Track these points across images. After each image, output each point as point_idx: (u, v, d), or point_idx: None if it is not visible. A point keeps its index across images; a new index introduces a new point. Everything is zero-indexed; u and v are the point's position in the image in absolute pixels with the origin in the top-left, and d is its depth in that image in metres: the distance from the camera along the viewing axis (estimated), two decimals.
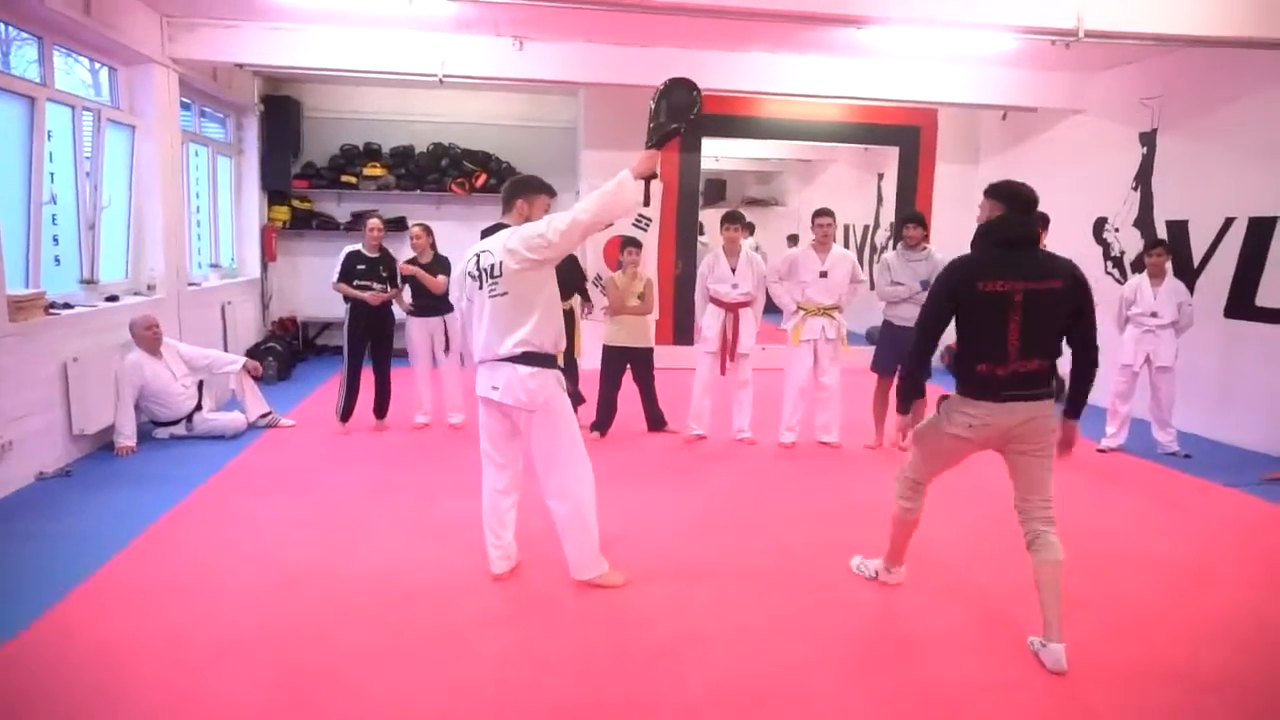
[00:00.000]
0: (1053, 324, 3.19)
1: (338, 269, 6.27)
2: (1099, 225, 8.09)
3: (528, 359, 3.47)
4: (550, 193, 3.74)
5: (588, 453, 3.68)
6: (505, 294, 3.44)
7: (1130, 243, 7.66)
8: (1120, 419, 6.30)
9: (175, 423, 6.04)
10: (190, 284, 7.61)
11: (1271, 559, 4.29)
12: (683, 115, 3.48)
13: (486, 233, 3.66)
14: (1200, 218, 6.92)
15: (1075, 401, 3.35)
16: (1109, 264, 7.92)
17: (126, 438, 5.68)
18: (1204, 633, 3.45)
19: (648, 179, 3.44)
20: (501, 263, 3.43)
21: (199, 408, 6.14)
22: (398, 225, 9.25)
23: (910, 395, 3.52)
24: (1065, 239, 6.26)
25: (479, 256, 3.53)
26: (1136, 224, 7.64)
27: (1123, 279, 7.48)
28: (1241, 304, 6.55)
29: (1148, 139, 7.56)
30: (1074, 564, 4.09)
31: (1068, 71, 8.04)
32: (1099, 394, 6.64)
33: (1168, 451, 6.19)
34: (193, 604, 3.46)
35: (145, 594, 3.55)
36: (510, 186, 3.71)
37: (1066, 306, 3.17)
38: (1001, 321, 3.11)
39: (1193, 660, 3.21)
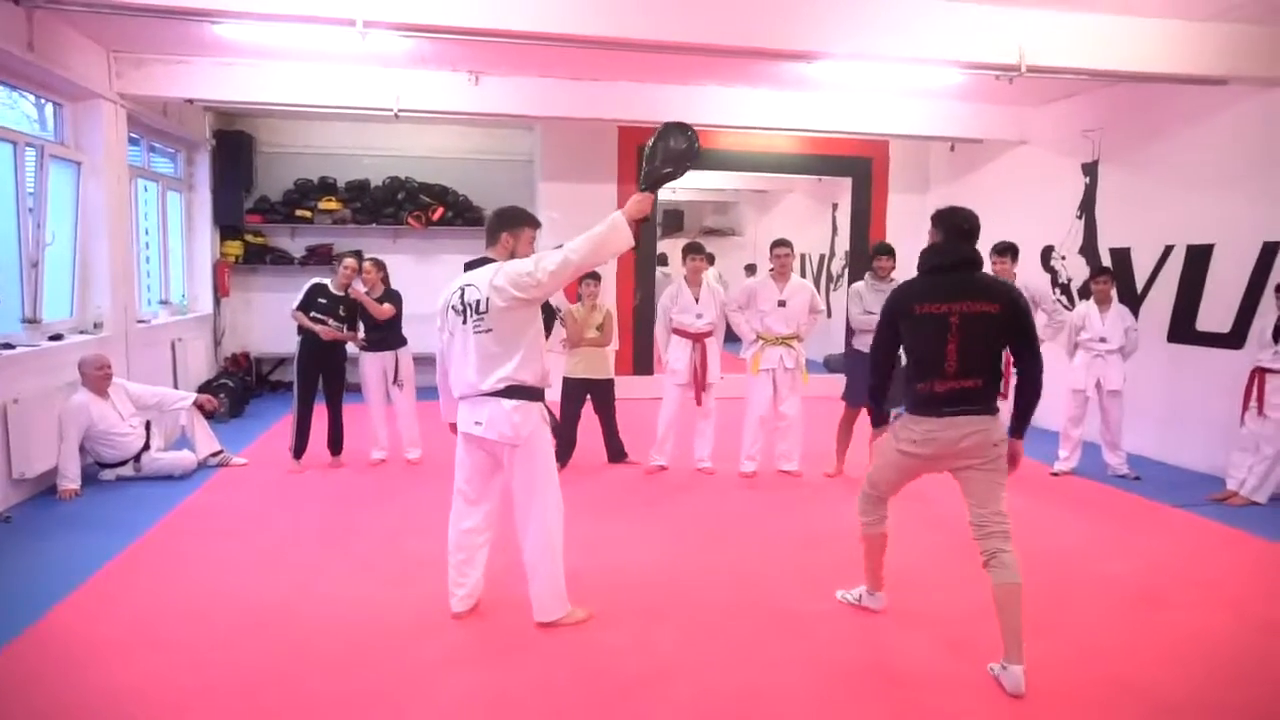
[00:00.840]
0: (990, 344, 3.30)
1: (300, 297, 6.20)
2: (1046, 253, 8.29)
3: (511, 393, 3.43)
4: (535, 224, 3.67)
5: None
6: (490, 330, 3.41)
7: (1077, 270, 7.87)
8: (1073, 443, 6.42)
9: (122, 464, 5.87)
10: (139, 321, 7.44)
11: (1222, 579, 4.37)
12: (681, 162, 3.45)
13: (470, 265, 3.61)
14: (1142, 245, 7.13)
15: (1019, 420, 3.43)
16: (1057, 291, 8.11)
17: (70, 480, 5.51)
18: (1163, 654, 3.50)
19: (639, 221, 3.40)
20: (488, 299, 3.39)
21: (146, 447, 5.98)
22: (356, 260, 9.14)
23: (877, 421, 3.63)
24: (1019, 266, 6.39)
25: (464, 290, 3.48)
26: (1082, 251, 7.85)
27: (1070, 305, 7.66)
28: (1183, 328, 6.74)
29: (1090, 169, 7.80)
30: (1031, 588, 4.14)
31: (1011, 105, 8.28)
32: (1052, 418, 6.80)
33: (1118, 474, 6.31)
34: (140, 658, 3.32)
35: (87, 648, 3.41)
36: (495, 219, 3.64)
37: (1004, 328, 3.28)
38: (940, 341, 3.25)
39: (1153, 682, 3.25)
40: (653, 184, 3.48)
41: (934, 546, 4.78)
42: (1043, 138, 8.43)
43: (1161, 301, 6.94)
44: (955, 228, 3.38)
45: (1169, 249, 6.90)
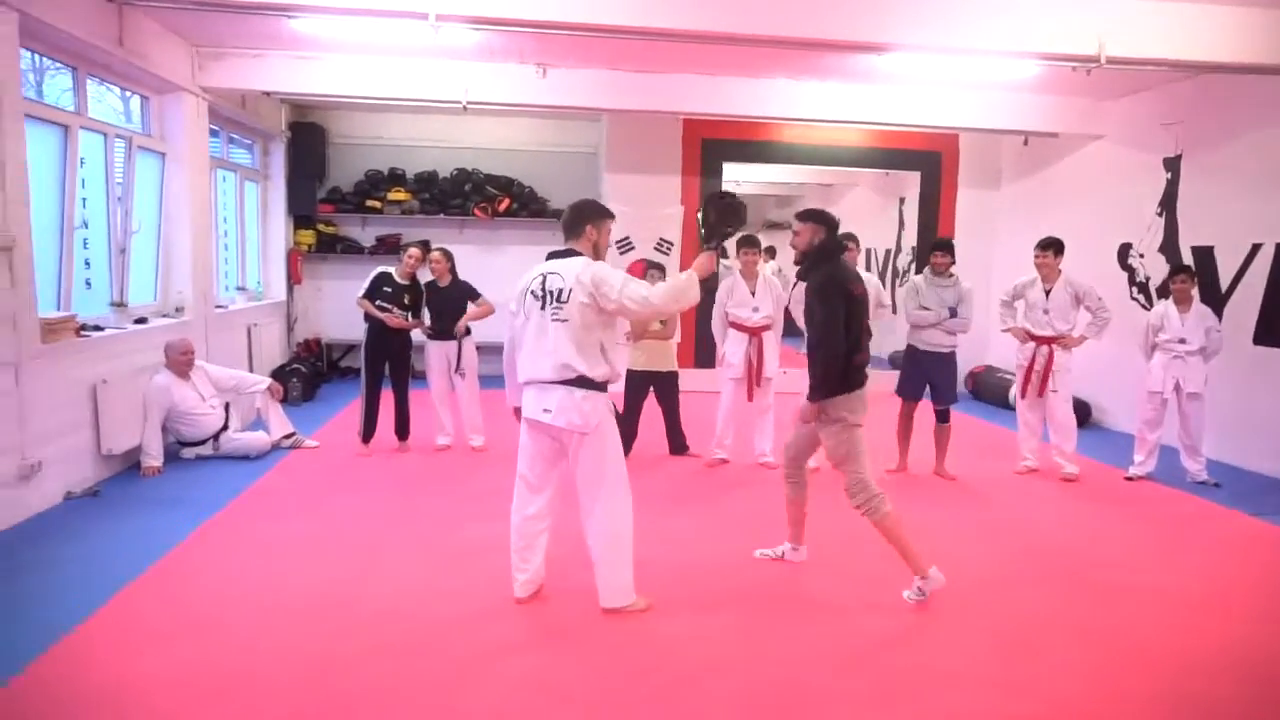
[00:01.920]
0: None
1: (365, 285, 6.34)
2: (1123, 251, 8.03)
3: (582, 382, 3.49)
4: (612, 216, 3.76)
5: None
6: (566, 321, 3.47)
7: (1155, 269, 7.60)
8: (1148, 447, 6.21)
9: (202, 443, 6.10)
10: (217, 307, 7.71)
11: None
12: (735, 219, 3.86)
13: (553, 255, 3.67)
14: (1226, 243, 6.85)
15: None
16: (1134, 290, 7.85)
17: (153, 458, 5.74)
18: (1226, 666, 3.37)
19: (709, 278, 3.63)
20: (570, 290, 3.45)
21: (225, 428, 6.20)
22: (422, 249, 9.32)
23: (838, 390, 3.89)
24: (1088, 265, 6.22)
25: (545, 278, 3.54)
26: (1162, 250, 7.58)
27: (1148, 305, 7.42)
28: (1270, 330, 6.46)
29: (1171, 164, 7.51)
30: (1097, 594, 4.05)
31: (1088, 97, 8.02)
32: (1126, 420, 6.56)
33: (1197, 480, 6.09)
34: (209, 635, 3.43)
35: (160, 623, 3.53)
36: (576, 213, 3.68)
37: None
38: (861, 318, 3.92)
39: (1215, 695, 3.14)
40: (715, 242, 3.83)
41: (1000, 551, 4.68)
42: (1120, 132, 8.15)
43: (1247, 302, 6.66)
44: (836, 222, 4.09)
45: (1256, 247, 6.61)
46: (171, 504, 5.12)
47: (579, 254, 3.59)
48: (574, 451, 3.57)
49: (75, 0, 5.12)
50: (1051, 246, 6.06)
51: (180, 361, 5.98)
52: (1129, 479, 6.21)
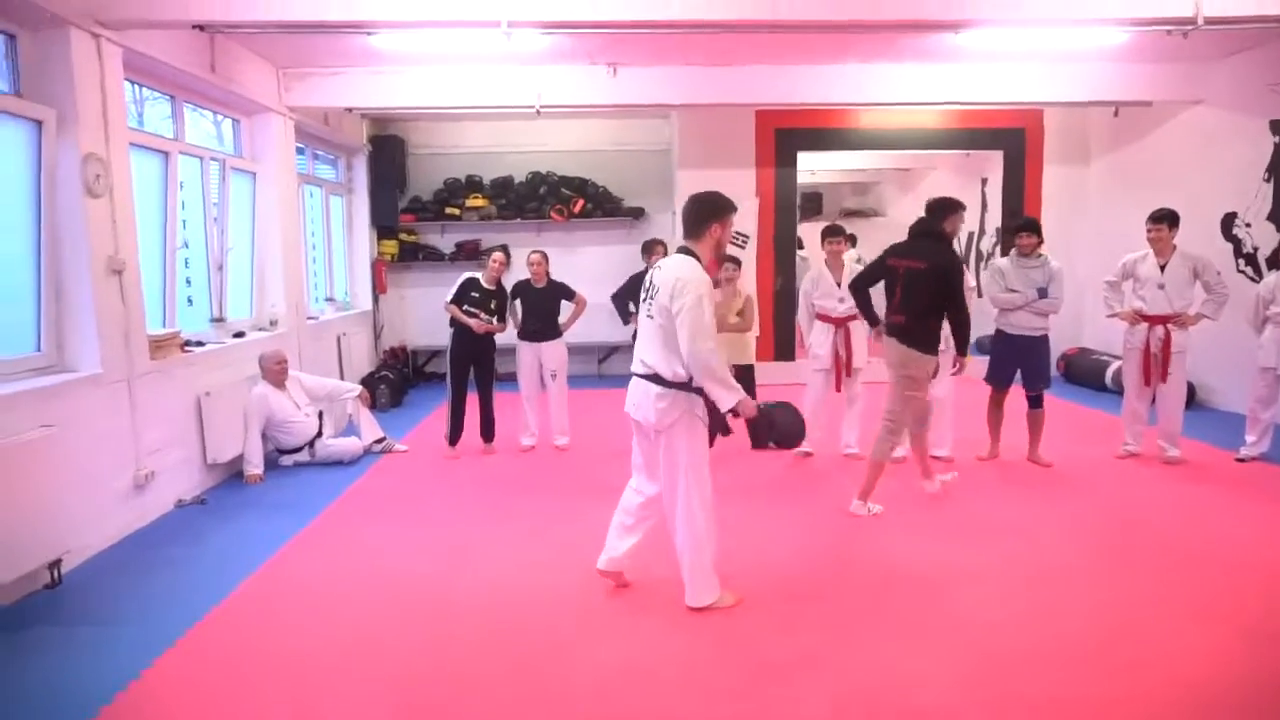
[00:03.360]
0: (919, 293, 4.83)
1: (453, 291, 6.48)
2: (1228, 221, 7.61)
3: (658, 379, 3.51)
4: (735, 209, 3.68)
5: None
6: (652, 318, 3.52)
7: (1264, 238, 7.19)
8: (1261, 426, 5.88)
9: (299, 449, 6.34)
10: (309, 318, 7.99)
11: None
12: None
13: (679, 251, 3.65)
14: None
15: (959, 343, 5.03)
16: (1241, 261, 7.44)
17: (255, 466, 5.99)
18: None
19: (734, 411, 3.46)
20: (659, 289, 3.48)
21: (320, 434, 6.42)
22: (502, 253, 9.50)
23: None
24: (1190, 237, 5.90)
25: (653, 274, 3.61)
26: (1271, 218, 7.16)
27: (1258, 277, 7.02)
28: None
29: (1278, 127, 7.09)
30: (1204, 579, 3.87)
31: (1183, 62, 7.62)
32: (1237, 399, 6.23)
33: None
34: (317, 626, 3.61)
35: (274, 616, 3.73)
36: (700, 209, 3.59)
37: (930, 283, 4.80)
38: (892, 287, 4.95)
39: None
40: (753, 419, 3.84)
41: (1100, 538, 4.51)
42: (1221, 96, 7.72)
43: None
44: (928, 207, 5.07)
45: None
46: (275, 508, 5.34)
47: (691, 254, 3.55)
48: (657, 444, 3.61)
49: (170, 32, 5.38)
50: (1166, 219, 5.76)
51: (275, 371, 6.23)
52: (1240, 460, 5.90)
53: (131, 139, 5.22)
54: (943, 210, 4.97)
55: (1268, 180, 7.19)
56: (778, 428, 4.11)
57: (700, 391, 3.47)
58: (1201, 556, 4.18)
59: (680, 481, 3.56)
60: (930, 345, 4.90)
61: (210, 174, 6.46)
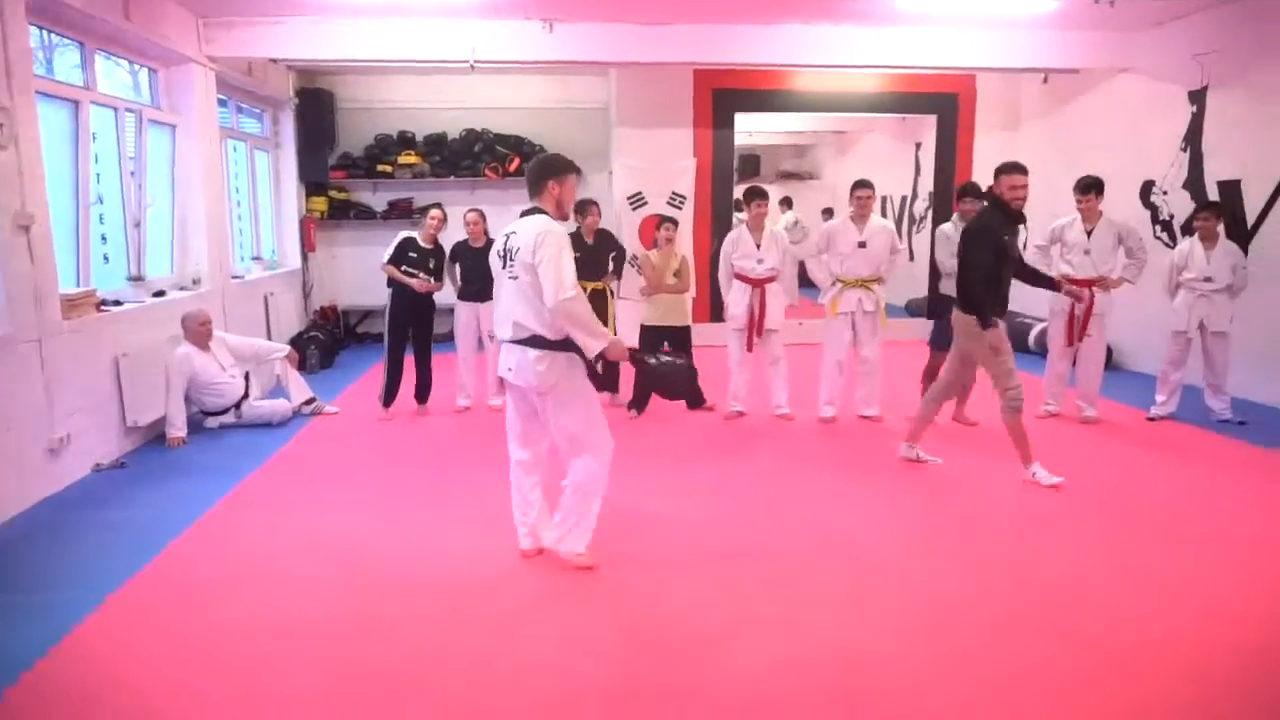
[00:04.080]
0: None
1: (390, 250, 6.34)
2: (1146, 188, 7.86)
3: (535, 342, 3.48)
4: (577, 170, 3.72)
5: (611, 435, 3.67)
6: (517, 278, 3.48)
7: (1180, 206, 7.45)
8: (1170, 386, 6.15)
9: (224, 411, 6.18)
10: (234, 277, 7.75)
11: None
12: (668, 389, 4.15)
13: (525, 214, 3.63)
14: (1254, 177, 6.69)
15: None
16: (1158, 228, 7.70)
17: (177, 429, 5.82)
18: (1274, 607, 3.36)
19: (599, 357, 3.48)
20: (519, 249, 3.45)
21: (246, 396, 6.27)
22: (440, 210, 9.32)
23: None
24: (1112, 203, 6.08)
25: (508, 237, 3.56)
26: (1186, 186, 7.41)
27: (1173, 243, 7.28)
28: None
29: (1197, 97, 7.31)
30: (1133, 536, 4.05)
31: (1111, 30, 7.80)
32: (1148, 361, 6.48)
33: (1222, 418, 6.03)
34: (246, 591, 3.55)
35: (201, 582, 3.65)
36: (538, 169, 3.63)
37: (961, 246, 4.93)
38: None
39: (1265, 637, 3.13)
40: (639, 366, 3.88)
41: (1030, 501, 4.68)
42: (1146, 65, 7.92)
43: (1275, 235, 6.52)
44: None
45: None
46: (200, 471, 5.21)
47: (542, 212, 3.56)
48: (541, 408, 3.60)
49: None
50: (1094, 188, 5.93)
51: (199, 332, 6.04)
52: (1151, 419, 6.16)
53: (38, 87, 4.94)
54: (996, 173, 5.00)
55: (1184, 149, 7.43)
56: (668, 380, 3.84)
57: (575, 348, 3.48)
58: (1116, 514, 4.37)
59: (575, 439, 3.57)
60: (966, 309, 4.83)
61: (126, 126, 6.17)
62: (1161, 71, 7.71)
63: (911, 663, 2.96)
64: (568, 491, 3.69)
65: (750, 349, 6.19)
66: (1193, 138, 7.36)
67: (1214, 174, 7.12)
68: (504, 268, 3.55)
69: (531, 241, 3.40)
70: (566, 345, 3.49)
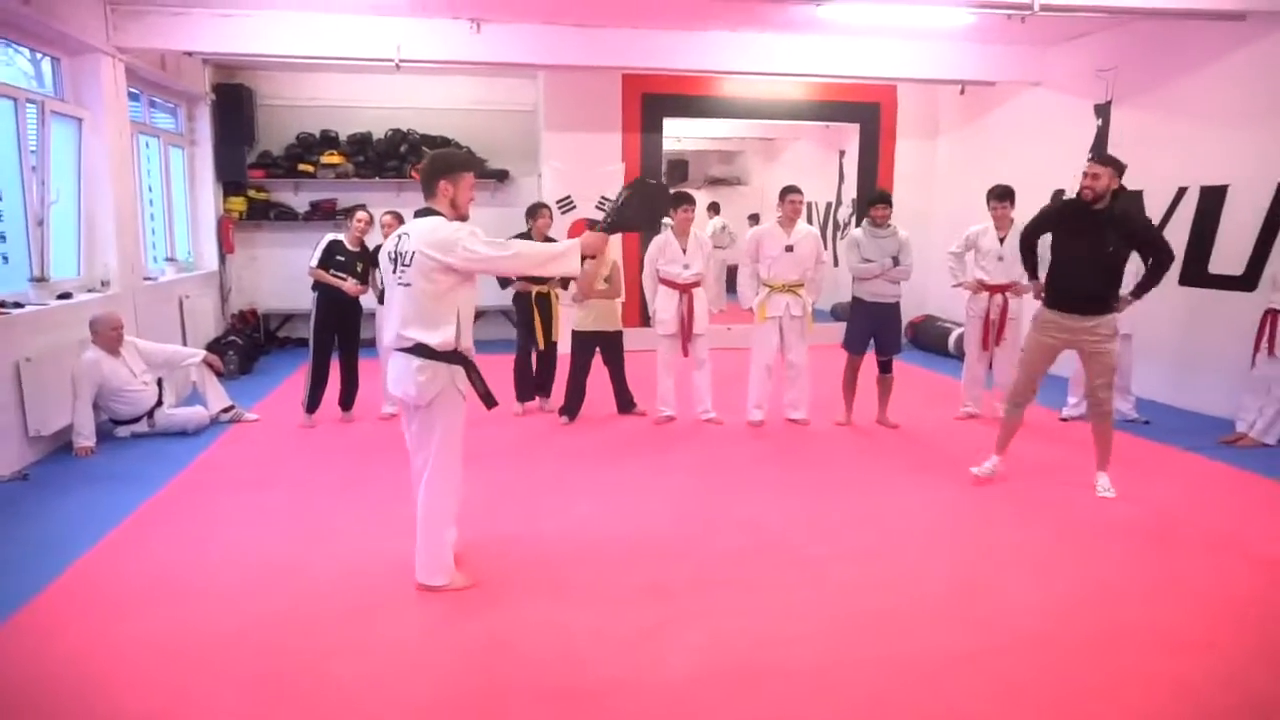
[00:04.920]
0: None
1: (317, 255, 6.17)
2: (1057, 197, 8.18)
3: (419, 351, 3.31)
4: (473, 169, 3.49)
5: (463, 469, 3.56)
6: (409, 285, 3.29)
7: None
8: (1083, 388, 6.40)
9: (136, 420, 5.92)
10: (146, 279, 7.44)
11: (1230, 521, 4.40)
12: (656, 221, 3.76)
13: (419, 214, 3.45)
14: (1155, 187, 7.04)
15: None
16: None
17: (85, 438, 5.55)
18: (1172, 595, 3.54)
19: (589, 257, 3.44)
20: (413, 254, 3.26)
21: (160, 403, 6.02)
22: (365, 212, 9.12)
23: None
24: (1024, 212, 6.29)
25: (400, 238, 3.38)
26: None
27: None
28: (1196, 271, 6.69)
29: (1102, 110, 7.67)
30: (1042, 532, 4.20)
31: (1024, 45, 8.11)
32: (1061, 364, 6.76)
33: (1127, 418, 6.31)
34: (163, 606, 3.40)
35: (114, 597, 3.48)
36: (428, 166, 3.41)
37: None
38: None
39: (1162, 623, 3.30)
40: (614, 230, 3.54)
41: (944, 495, 4.81)
42: (1056, 79, 8.27)
43: (1174, 244, 6.83)
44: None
45: (1182, 190, 6.81)
46: (111, 482, 4.97)
47: (436, 213, 3.36)
48: (411, 420, 3.48)
49: None
50: (1006, 196, 6.13)
51: (109, 337, 5.77)
52: (1063, 420, 6.41)
53: None
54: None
55: (1091, 160, 7.74)
56: (659, 198, 3.73)
57: (462, 361, 3.36)
58: (1031, 511, 4.54)
59: (432, 456, 3.42)
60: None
61: (27, 118, 5.87)
62: (1070, 85, 8.06)
63: (828, 657, 3.01)
64: (421, 518, 3.50)
65: (686, 354, 6.22)
66: (1099, 148, 7.70)
67: None
68: (394, 272, 3.36)
69: (436, 244, 3.21)
70: (452, 358, 3.34)
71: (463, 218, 3.39)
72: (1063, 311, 4.64)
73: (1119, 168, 4.48)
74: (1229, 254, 6.43)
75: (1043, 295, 4.78)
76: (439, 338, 3.30)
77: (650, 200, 3.63)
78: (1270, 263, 5.99)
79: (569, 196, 9.16)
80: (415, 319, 3.30)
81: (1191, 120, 6.72)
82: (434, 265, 3.23)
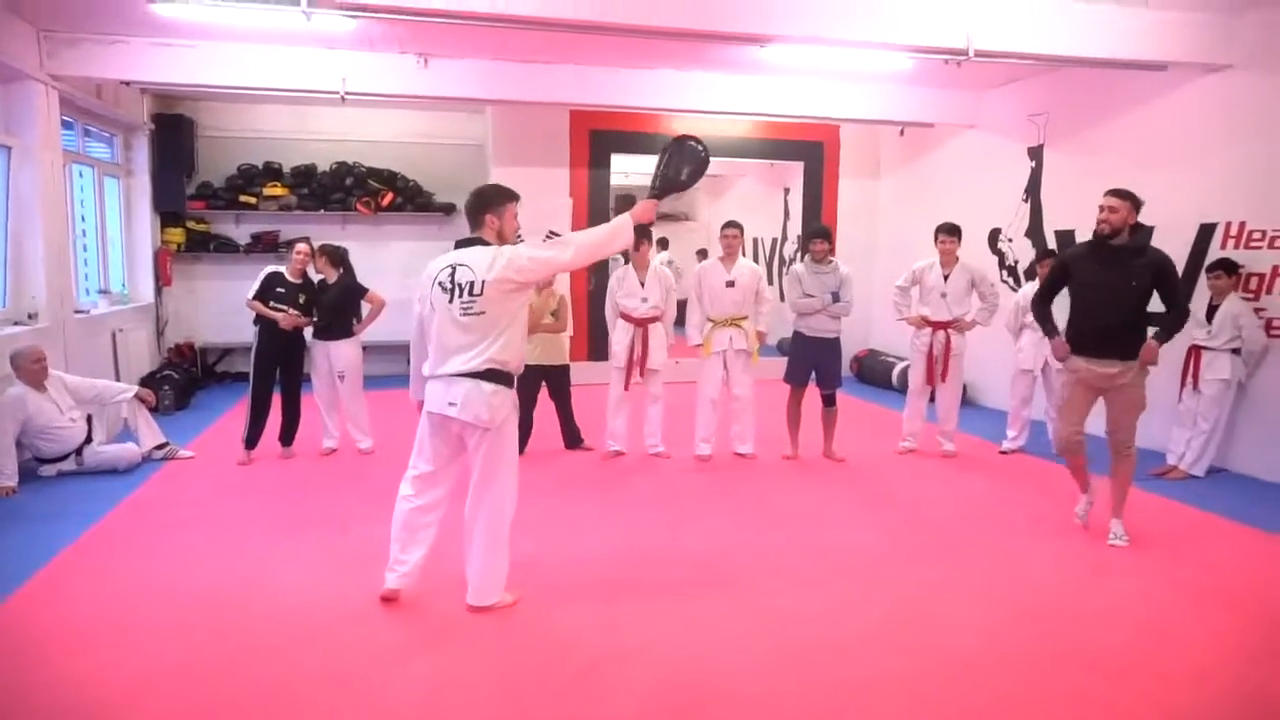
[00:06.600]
0: None
1: (255, 286, 6.04)
2: (994, 236, 8.44)
3: (491, 375, 3.42)
4: (514, 198, 3.66)
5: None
6: (482, 313, 3.39)
7: (1023, 252, 8.02)
8: (1021, 422, 6.56)
9: (64, 458, 5.69)
10: (77, 311, 7.21)
11: (1160, 549, 4.51)
12: (698, 176, 3.76)
13: (461, 244, 3.56)
14: (1086, 227, 7.14)
15: None
16: (1004, 273, 8.26)
17: (7, 477, 5.31)
18: (1103, 618, 3.61)
19: (644, 225, 3.63)
20: (483, 282, 3.37)
21: (89, 440, 5.80)
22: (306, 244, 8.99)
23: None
24: (963, 249, 6.49)
25: (455, 270, 3.44)
26: (1028, 234, 8.00)
27: (1017, 287, 7.82)
28: None
29: (1035, 153, 7.94)
30: (983, 561, 4.26)
31: (961, 89, 8.39)
32: (1000, 398, 6.93)
33: None
34: (86, 654, 3.23)
35: (33, 645, 3.31)
36: (475, 202, 3.60)
37: None
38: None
39: (1096, 644, 3.37)
40: (664, 193, 3.70)
41: (886, 523, 4.86)
42: (991, 122, 8.56)
43: None
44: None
45: None
46: (33, 523, 4.76)
47: (486, 243, 3.51)
48: (475, 445, 3.51)
49: None
50: (955, 232, 6.27)
51: (32, 370, 5.55)
52: (1003, 452, 6.54)
53: None
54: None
55: (1026, 200, 8.04)
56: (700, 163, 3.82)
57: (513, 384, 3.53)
58: (974, 542, 4.60)
59: (497, 480, 3.53)
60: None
61: None
62: (1004, 128, 8.34)
63: (772, 686, 3.00)
64: (483, 540, 3.55)
65: (627, 387, 6.21)
66: (1033, 190, 7.97)
67: (1052, 223, 7.73)
68: (452, 303, 3.41)
69: (498, 268, 3.37)
70: (514, 383, 3.52)
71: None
72: (1090, 356, 4.43)
73: (1136, 202, 4.31)
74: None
75: (1065, 353, 4.53)
76: (516, 359, 3.51)
77: (692, 156, 3.71)
78: (1193, 301, 6.22)
79: (517, 231, 9.12)
80: (492, 344, 3.41)
81: (1119, 163, 6.99)
82: (513, 287, 3.41)
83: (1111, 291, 4.34)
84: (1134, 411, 4.50)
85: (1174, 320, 4.45)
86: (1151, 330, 4.42)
